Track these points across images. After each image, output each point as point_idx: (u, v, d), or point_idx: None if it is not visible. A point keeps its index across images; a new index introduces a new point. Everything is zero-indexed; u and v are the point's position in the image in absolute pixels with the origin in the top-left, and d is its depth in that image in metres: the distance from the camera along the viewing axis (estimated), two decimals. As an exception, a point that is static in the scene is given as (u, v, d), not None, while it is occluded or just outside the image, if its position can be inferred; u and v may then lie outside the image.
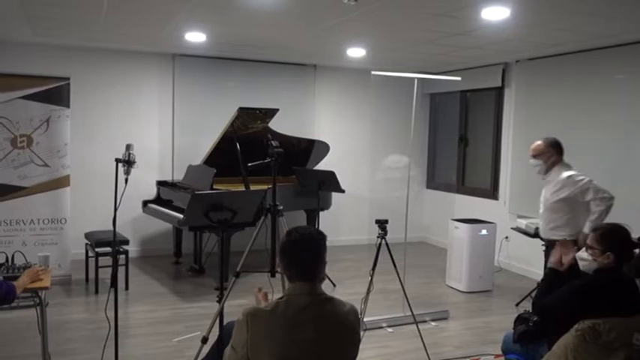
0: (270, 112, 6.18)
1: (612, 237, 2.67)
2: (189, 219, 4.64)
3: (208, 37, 6.16)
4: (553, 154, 4.33)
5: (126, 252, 5.67)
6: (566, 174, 4.24)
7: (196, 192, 4.36)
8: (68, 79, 5.70)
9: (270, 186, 3.77)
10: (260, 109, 6.11)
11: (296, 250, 2.05)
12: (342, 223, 8.07)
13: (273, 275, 3.71)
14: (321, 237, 2.09)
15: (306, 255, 2.05)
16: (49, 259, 3.74)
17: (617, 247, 2.64)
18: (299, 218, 6.41)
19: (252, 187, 5.58)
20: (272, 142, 3.64)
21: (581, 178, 4.20)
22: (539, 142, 4.40)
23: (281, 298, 2.06)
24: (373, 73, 5.54)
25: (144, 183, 6.69)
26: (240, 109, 5.90)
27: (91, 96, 6.89)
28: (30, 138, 5.56)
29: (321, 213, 6.39)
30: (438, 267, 6.77)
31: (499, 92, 7.30)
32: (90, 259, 5.81)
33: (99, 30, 5.87)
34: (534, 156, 4.40)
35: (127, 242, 5.81)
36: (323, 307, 2.04)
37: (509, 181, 7.11)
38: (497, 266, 6.53)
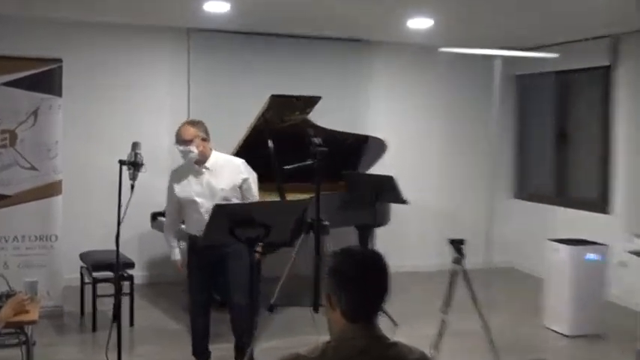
0: (311, 101, 6.18)
1: None
2: (210, 236, 4.64)
3: (232, 7, 6.21)
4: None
5: (131, 277, 5.75)
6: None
7: (218, 202, 4.38)
8: (60, 60, 5.84)
9: (312, 195, 3.75)
10: (298, 97, 6.11)
11: (358, 278, 2.00)
12: (404, 244, 7.98)
13: (316, 310, 3.68)
14: (386, 262, 2.05)
15: (370, 286, 2.01)
16: (37, 285, 3.81)
17: None
18: (349, 237, 6.37)
19: (289, 197, 5.57)
20: (314, 138, 3.65)
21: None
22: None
23: (328, 342, 2.03)
24: (441, 50, 5.48)
25: (153, 190, 6.74)
26: (273, 96, 5.91)
27: (88, 82, 7.05)
28: (14, 134, 5.71)
29: (377, 230, 6.34)
30: (532, 302, 6.63)
31: (607, 73, 7.17)
32: (86, 285, 5.91)
33: (98, 0, 6.00)
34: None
35: (132, 265, 5.89)
36: (385, 355, 1.99)
37: (624, 189, 6.95)
38: (610, 302, 6.34)
